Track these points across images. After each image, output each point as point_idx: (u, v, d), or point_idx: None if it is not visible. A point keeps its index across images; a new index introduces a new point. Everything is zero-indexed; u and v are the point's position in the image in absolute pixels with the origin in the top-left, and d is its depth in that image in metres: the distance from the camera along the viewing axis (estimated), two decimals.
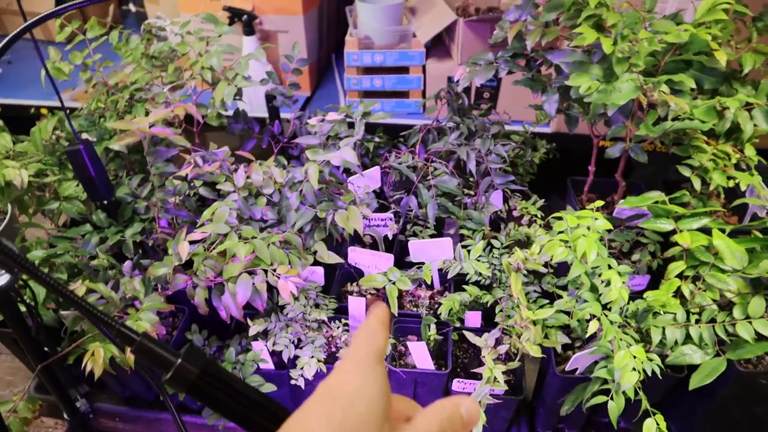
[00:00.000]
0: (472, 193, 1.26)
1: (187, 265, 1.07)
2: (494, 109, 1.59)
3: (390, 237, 1.22)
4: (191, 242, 1.02)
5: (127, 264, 1.12)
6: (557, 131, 1.86)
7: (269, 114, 1.51)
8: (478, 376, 1.02)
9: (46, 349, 1.03)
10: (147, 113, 1.26)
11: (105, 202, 1.18)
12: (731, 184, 1.09)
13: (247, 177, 1.14)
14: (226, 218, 1.06)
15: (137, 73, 1.30)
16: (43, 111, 2.07)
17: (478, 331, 1.09)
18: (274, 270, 0.99)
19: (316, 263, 1.13)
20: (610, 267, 0.99)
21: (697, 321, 0.97)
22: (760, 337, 0.92)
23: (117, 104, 1.29)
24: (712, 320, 0.96)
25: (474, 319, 1.15)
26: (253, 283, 1.00)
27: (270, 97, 1.43)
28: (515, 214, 1.22)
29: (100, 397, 1.31)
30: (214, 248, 1.04)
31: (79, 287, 1.01)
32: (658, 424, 0.91)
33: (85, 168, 1.09)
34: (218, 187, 1.15)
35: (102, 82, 1.31)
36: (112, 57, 1.36)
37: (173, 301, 1.13)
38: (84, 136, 1.28)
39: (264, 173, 1.14)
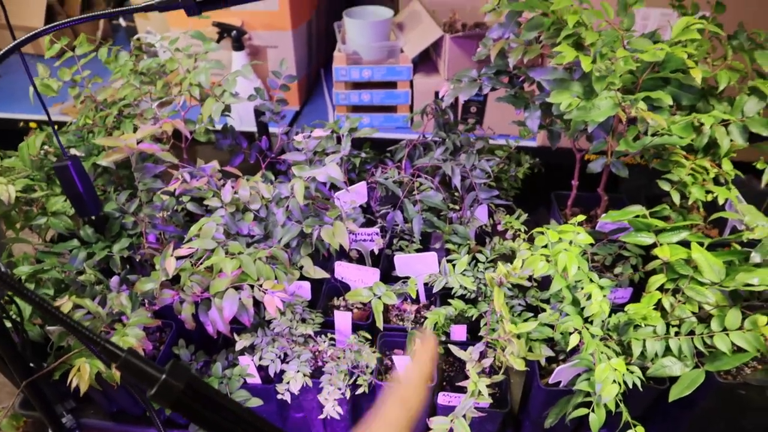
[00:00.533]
0: (457, 207, 1.28)
1: (175, 281, 1.07)
2: (481, 124, 1.62)
3: (376, 251, 1.23)
4: (178, 258, 1.03)
5: (115, 279, 1.13)
6: (543, 145, 1.89)
7: (258, 129, 1.52)
8: (463, 390, 1.03)
9: (31, 364, 1.03)
10: (135, 129, 1.27)
11: (93, 217, 1.19)
12: (710, 198, 1.11)
13: (234, 192, 1.16)
14: (213, 234, 1.07)
15: (126, 89, 1.31)
16: (33, 125, 2.08)
17: (464, 345, 1.11)
18: (261, 285, 1.00)
19: (302, 278, 1.14)
20: (591, 281, 1.00)
21: (677, 333, 0.99)
22: (737, 349, 0.94)
23: (105, 120, 1.31)
24: (691, 332, 0.98)
25: (459, 332, 1.17)
26: (240, 299, 1.00)
27: (258, 113, 1.45)
28: (500, 228, 1.24)
29: (87, 413, 1.30)
30: (201, 263, 1.05)
31: (65, 303, 1.02)
32: None
33: (73, 183, 1.10)
34: (206, 202, 1.16)
35: (91, 98, 1.32)
36: (101, 72, 1.37)
37: (161, 316, 1.14)
38: (72, 151, 1.29)
39: (251, 189, 1.16)
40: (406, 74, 1.96)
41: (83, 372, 0.97)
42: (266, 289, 1.00)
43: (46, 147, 1.29)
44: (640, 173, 1.41)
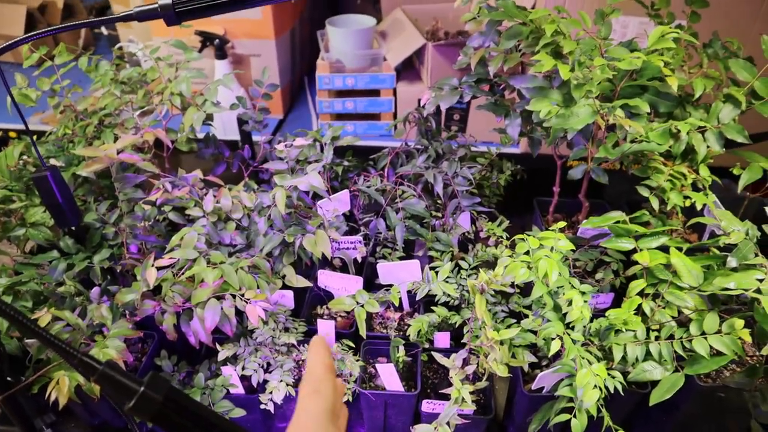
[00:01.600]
0: (439, 215, 1.29)
1: (156, 291, 1.07)
2: (464, 132, 1.62)
3: (359, 260, 1.23)
4: (159, 268, 1.02)
5: (95, 290, 1.11)
6: (525, 152, 1.91)
7: (241, 138, 1.52)
8: (447, 397, 1.04)
9: (9, 378, 1.01)
10: (116, 138, 1.26)
11: (72, 228, 1.18)
12: (688, 203, 1.13)
13: (216, 202, 1.15)
14: (194, 243, 1.07)
15: (106, 99, 1.30)
16: (12, 135, 2.06)
17: (447, 352, 1.11)
18: (243, 295, 1.00)
19: (285, 287, 1.14)
20: (572, 287, 1.01)
21: (657, 338, 1.00)
22: (716, 353, 0.95)
23: (86, 130, 1.30)
24: (671, 337, 0.99)
25: (443, 339, 1.17)
26: (222, 308, 1.00)
27: (241, 122, 1.45)
28: (482, 235, 1.25)
29: (68, 426, 1.28)
30: (182, 274, 1.04)
31: (44, 315, 1.00)
32: None
33: (52, 194, 1.09)
34: (187, 212, 1.16)
35: (70, 108, 1.32)
36: (82, 81, 1.36)
37: (142, 327, 1.13)
38: (52, 161, 1.28)
39: (233, 198, 1.15)
40: (390, 82, 1.97)
41: (62, 385, 0.95)
42: (248, 299, 0.99)
43: (24, 157, 1.28)
44: (622, 179, 1.42)
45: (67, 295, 1.11)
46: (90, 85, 1.37)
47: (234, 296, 1.00)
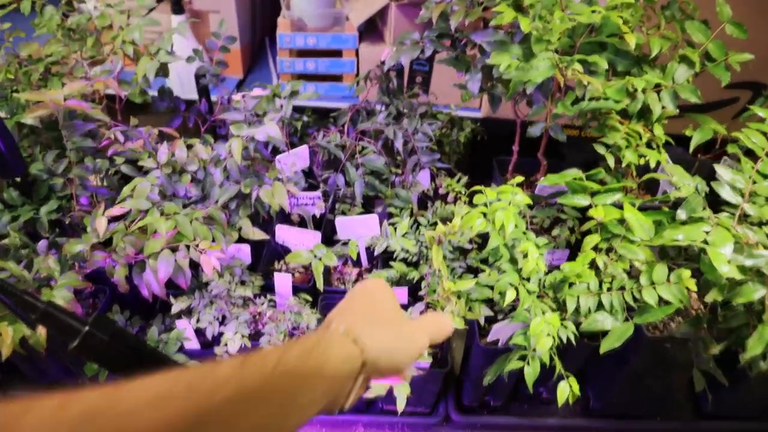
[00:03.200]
0: (399, 172, 1.28)
1: (109, 244, 1.03)
2: (426, 95, 1.60)
3: (317, 215, 1.22)
4: (111, 219, 0.99)
5: (42, 243, 1.07)
6: (487, 116, 1.91)
7: (199, 95, 1.47)
8: None
9: None
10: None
11: (18, 179, 1.13)
12: (642, 161, 1.15)
13: (171, 154, 1.12)
14: (147, 194, 1.04)
15: (53, 46, 1.24)
16: None
17: (406, 308, 1.11)
18: (197, 245, 0.98)
19: (242, 241, 1.12)
20: (528, 239, 1.02)
21: (609, 289, 1.02)
22: (664, 303, 0.98)
23: (30, 77, 1.23)
24: (622, 288, 1.02)
25: (401, 295, 1.17)
26: (175, 260, 0.98)
27: (198, 77, 1.40)
28: (441, 191, 1.25)
29: (13, 386, 1.25)
30: (135, 225, 1.01)
31: None
32: (571, 386, 0.95)
33: None
34: (140, 163, 1.12)
35: (12, 54, 1.25)
36: (25, 28, 1.29)
37: (94, 281, 1.09)
38: None
39: (188, 150, 1.12)
40: (352, 42, 1.93)
41: (5, 336, 0.92)
42: (202, 249, 0.97)
43: None
44: (580, 146, 1.44)
45: (11, 248, 1.07)
46: (32, 33, 1.29)
47: (188, 247, 0.98)
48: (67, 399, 0.34)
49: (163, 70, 1.31)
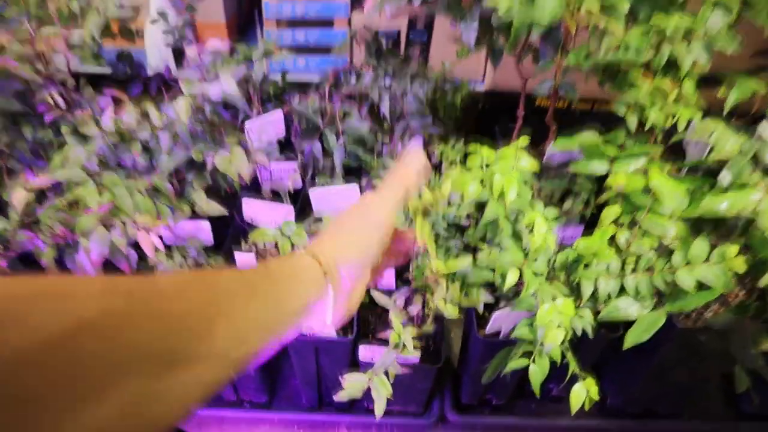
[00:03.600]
0: (388, 140, 1.11)
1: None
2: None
3: (292, 190, 1.06)
4: (33, 190, 0.83)
5: None
6: (492, 89, 1.74)
7: (174, 59, 1.32)
8: (387, 342, 0.88)
9: None
10: (2, 48, 1.06)
11: None
12: (669, 123, 0.97)
13: (119, 120, 0.96)
14: (82, 163, 0.88)
15: None
16: None
17: (392, 293, 0.95)
18: (135, 222, 0.82)
19: (202, 218, 0.96)
20: (535, 209, 0.85)
21: (633, 270, 0.85)
22: (701, 287, 0.80)
23: None
24: (650, 269, 0.84)
25: (387, 278, 1.01)
26: (111, 239, 0.82)
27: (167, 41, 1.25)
28: (434, 161, 1.08)
29: None
30: (64, 199, 0.86)
31: None
32: (588, 390, 0.78)
33: None
34: (81, 130, 0.96)
35: None
36: None
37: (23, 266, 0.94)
38: None
39: (137, 115, 0.96)
40: (344, 11, 1.77)
41: None
42: (142, 226, 0.81)
43: None
44: (597, 120, 1.28)
45: None
46: None
47: (125, 223, 0.82)
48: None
49: (125, 33, 1.15)
